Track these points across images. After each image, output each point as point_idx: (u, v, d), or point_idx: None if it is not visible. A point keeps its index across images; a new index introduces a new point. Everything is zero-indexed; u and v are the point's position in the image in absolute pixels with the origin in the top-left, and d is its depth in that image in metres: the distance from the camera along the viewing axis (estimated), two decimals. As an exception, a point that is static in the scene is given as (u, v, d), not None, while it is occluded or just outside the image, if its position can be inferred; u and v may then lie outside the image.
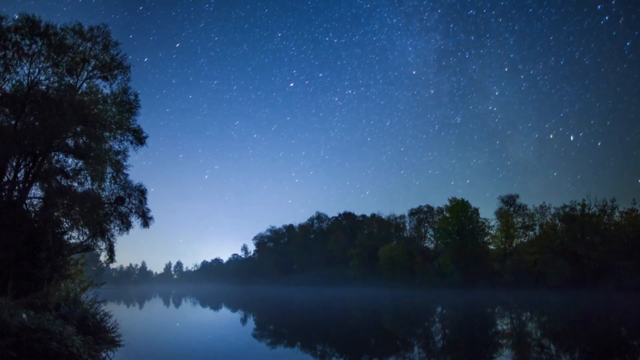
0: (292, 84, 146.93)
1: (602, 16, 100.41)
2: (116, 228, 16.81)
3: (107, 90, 16.54)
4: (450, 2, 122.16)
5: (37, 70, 15.05)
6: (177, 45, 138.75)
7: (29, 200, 15.54)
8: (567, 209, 51.94)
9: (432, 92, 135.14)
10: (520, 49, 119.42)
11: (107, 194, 16.77)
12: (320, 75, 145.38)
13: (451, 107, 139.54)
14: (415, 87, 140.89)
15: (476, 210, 60.97)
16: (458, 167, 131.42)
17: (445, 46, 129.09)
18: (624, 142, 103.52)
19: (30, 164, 15.42)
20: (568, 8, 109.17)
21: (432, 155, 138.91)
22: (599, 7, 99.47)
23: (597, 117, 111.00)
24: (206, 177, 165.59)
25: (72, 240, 16.31)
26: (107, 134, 16.34)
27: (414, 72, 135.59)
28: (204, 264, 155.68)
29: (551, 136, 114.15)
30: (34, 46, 14.75)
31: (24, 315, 8.64)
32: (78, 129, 15.63)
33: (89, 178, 16.40)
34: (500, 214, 58.99)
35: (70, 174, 16.34)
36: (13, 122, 14.83)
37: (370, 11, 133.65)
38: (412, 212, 74.60)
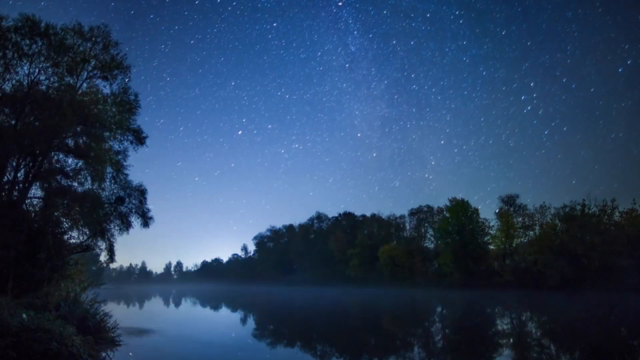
0: (240, 132, 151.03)
1: (525, 106, 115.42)
2: (116, 228, 16.84)
3: (107, 90, 16.59)
4: (396, 76, 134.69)
5: (37, 70, 15.08)
6: (127, 80, 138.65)
7: (29, 200, 15.56)
8: (567, 209, 51.95)
9: (374, 155, 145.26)
10: (456, 125, 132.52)
11: (107, 194, 16.80)
12: (269, 126, 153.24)
13: (391, 171, 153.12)
14: (359, 149, 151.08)
15: (476, 210, 61.16)
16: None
17: (389, 114, 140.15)
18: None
19: (30, 164, 15.44)
20: (497, 95, 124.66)
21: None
22: (522, 97, 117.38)
23: (520, 194, 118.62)
24: (133, 220, 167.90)
25: (72, 240, 16.35)
26: (107, 134, 16.36)
27: (358, 135, 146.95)
28: (204, 264, 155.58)
29: (480, 207, 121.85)
30: (34, 46, 14.79)
31: (24, 315, 8.64)
32: (78, 129, 15.66)
33: (89, 178, 16.43)
34: (500, 214, 59.02)
35: (70, 174, 16.36)
36: (13, 122, 14.85)
37: (322, 73, 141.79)
38: (412, 212, 74.63)
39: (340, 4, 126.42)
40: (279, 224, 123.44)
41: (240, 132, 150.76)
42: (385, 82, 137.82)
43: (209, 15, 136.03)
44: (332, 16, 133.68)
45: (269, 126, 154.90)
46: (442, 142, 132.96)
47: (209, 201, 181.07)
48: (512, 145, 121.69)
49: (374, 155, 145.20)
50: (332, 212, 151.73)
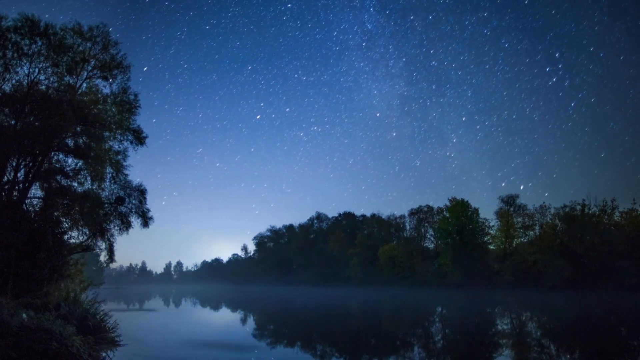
0: (258, 117, 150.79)
1: (550, 78, 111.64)
2: (116, 228, 16.80)
3: (107, 90, 16.56)
4: (414, 52, 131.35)
5: (37, 70, 15.05)
6: (145, 69, 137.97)
7: (29, 200, 15.54)
8: (567, 209, 51.95)
9: (394, 134, 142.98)
10: (477, 101, 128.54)
11: (107, 194, 16.77)
12: (287, 110, 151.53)
13: (412, 151, 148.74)
14: (378, 129, 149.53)
15: (476, 210, 61.03)
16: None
17: (408, 92, 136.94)
18: (568, 196, 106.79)
19: (30, 164, 15.42)
20: (520, 67, 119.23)
21: (392, 195, 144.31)
22: (547, 69, 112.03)
23: (544, 170, 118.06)
24: (163, 203, 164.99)
25: (72, 240, 16.31)
26: (107, 134, 16.33)
27: (377, 115, 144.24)
28: (204, 264, 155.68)
29: (503, 184, 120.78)
30: (33, 46, 14.76)
31: (24, 315, 8.63)
32: (78, 129, 15.62)
33: (89, 178, 16.41)
34: (500, 214, 59.02)
35: (70, 174, 16.34)
36: (13, 122, 14.83)
37: (339, 53, 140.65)
38: (412, 212, 74.62)
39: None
40: (283, 221, 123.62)
41: (258, 117, 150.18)
42: (404, 59, 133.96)
43: (223, 0, 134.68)
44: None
45: (287, 109, 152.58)
46: (463, 119, 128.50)
47: (220, 192, 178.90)
48: (536, 120, 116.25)
49: (394, 134, 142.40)
50: (332, 212, 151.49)
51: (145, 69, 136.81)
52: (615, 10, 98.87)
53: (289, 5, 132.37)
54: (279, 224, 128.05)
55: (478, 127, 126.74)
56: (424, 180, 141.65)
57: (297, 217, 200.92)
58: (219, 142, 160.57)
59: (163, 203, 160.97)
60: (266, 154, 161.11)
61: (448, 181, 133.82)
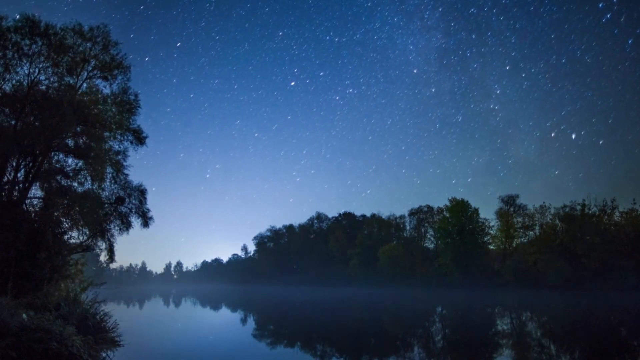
0: (293, 83, 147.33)
1: (604, 14, 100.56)
2: (116, 228, 16.83)
3: (107, 90, 16.55)
4: (451, 1, 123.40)
5: (37, 70, 15.05)
6: (178, 44, 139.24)
7: (29, 200, 15.54)
8: (567, 209, 51.98)
9: (433, 90, 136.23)
10: (522, 47, 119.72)
11: (107, 194, 16.78)
12: (322, 74, 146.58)
13: (452, 106, 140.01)
14: (416, 86, 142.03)
15: (476, 210, 61.09)
16: (459, 166, 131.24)
17: (446, 45, 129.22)
18: (626, 140, 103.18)
19: (30, 164, 15.42)
20: (569, 6, 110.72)
21: (434, 154, 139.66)
22: (600, 5, 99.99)
23: (598, 115, 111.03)
24: (207, 176, 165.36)
25: (72, 240, 16.32)
26: (107, 134, 16.33)
27: (415, 71, 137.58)
28: (204, 264, 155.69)
29: (553, 134, 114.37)
30: (34, 46, 14.76)
31: (24, 315, 8.63)
32: (78, 129, 15.64)
33: (89, 178, 16.41)
34: (500, 214, 59.04)
35: (70, 174, 16.35)
36: (13, 122, 14.84)
37: (371, 10, 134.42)
38: (412, 212, 74.70)
39: None
40: (278, 223, 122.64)
41: (293, 83, 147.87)
42: (440, 9, 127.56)
43: None
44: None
45: (321, 73, 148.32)
46: (507, 68, 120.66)
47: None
48: (589, 62, 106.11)
49: (433, 90, 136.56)
50: (332, 211, 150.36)
51: (178, 44, 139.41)
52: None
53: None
54: (278, 224, 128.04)
55: (524, 75, 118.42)
56: (467, 136, 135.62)
57: (298, 217, 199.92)
58: (256, 112, 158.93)
59: (207, 176, 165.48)
60: (303, 120, 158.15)
61: (492, 135, 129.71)
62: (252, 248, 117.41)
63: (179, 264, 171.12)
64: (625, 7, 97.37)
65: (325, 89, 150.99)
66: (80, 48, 15.52)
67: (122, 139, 16.68)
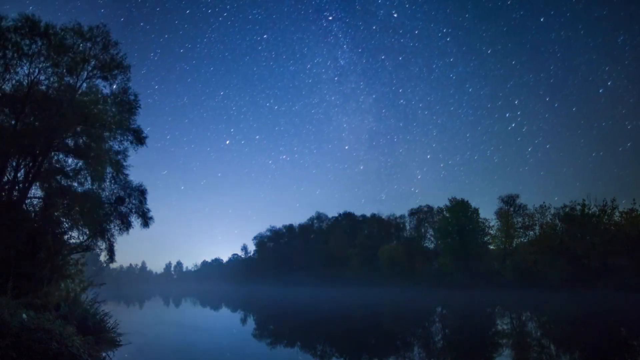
0: (227, 142, 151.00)
1: (510, 123, 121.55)
2: (116, 228, 16.83)
3: (107, 90, 16.55)
4: (384, 90, 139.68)
5: (37, 70, 15.05)
6: (127, 80, 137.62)
7: (29, 200, 15.55)
8: (567, 209, 51.90)
9: (361, 167, 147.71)
10: (442, 140, 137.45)
11: (107, 194, 16.79)
12: (257, 137, 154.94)
13: (378, 184, 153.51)
14: (346, 161, 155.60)
15: (476, 210, 61.07)
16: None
17: (376, 128, 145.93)
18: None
19: (30, 164, 15.42)
20: (482, 111, 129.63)
21: None
22: (507, 114, 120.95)
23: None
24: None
25: (72, 240, 16.33)
26: (107, 134, 16.33)
27: (346, 147, 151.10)
28: (204, 264, 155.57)
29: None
30: (33, 46, 14.76)
31: (24, 315, 8.63)
32: (78, 129, 15.64)
33: (89, 178, 16.41)
34: (500, 214, 59.01)
35: (70, 174, 16.35)
36: (13, 122, 14.84)
37: (311, 86, 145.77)
38: (412, 212, 74.65)
39: (330, 18, 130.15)
40: (279, 224, 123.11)
41: (228, 142, 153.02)
42: (374, 96, 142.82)
43: (200, 25, 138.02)
44: (322, 30, 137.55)
45: (257, 137, 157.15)
46: (428, 157, 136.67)
47: (198, 209, 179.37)
48: (496, 161, 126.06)
49: (361, 168, 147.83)
50: (332, 212, 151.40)
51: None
52: (569, 65, 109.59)
53: (264, 36, 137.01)
54: (278, 224, 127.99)
55: (442, 165, 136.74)
56: (388, 213, 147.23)
57: (298, 217, 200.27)
58: (185, 165, 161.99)
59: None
60: (233, 179, 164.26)
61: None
62: (252, 248, 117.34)
63: (179, 264, 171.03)
64: (526, 120, 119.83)
65: (260, 152, 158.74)
66: (80, 48, 15.52)
67: (122, 139, 16.69)
